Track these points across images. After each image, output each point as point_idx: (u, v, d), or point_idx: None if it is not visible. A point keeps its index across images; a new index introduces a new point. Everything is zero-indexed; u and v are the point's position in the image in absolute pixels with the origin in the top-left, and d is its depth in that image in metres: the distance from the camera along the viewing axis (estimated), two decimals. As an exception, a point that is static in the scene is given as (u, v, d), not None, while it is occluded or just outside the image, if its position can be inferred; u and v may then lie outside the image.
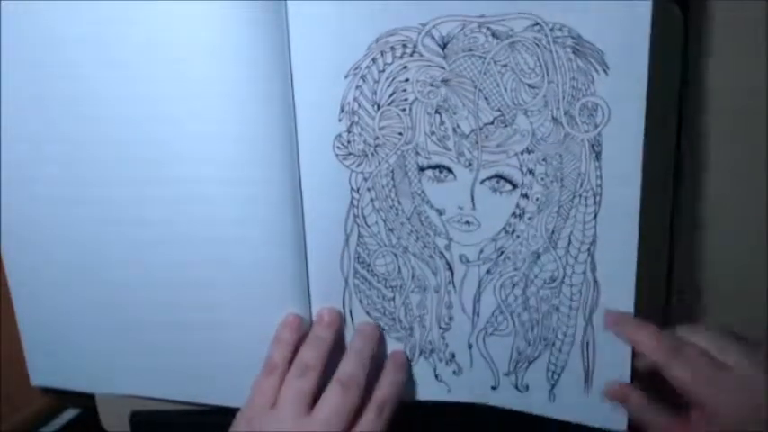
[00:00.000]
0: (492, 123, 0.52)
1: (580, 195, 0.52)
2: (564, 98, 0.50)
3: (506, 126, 0.52)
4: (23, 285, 0.61)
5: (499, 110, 0.52)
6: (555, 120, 0.51)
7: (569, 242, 0.54)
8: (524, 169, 0.53)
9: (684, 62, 0.52)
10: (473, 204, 0.54)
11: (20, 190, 0.58)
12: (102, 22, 0.52)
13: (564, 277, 0.54)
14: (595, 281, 0.54)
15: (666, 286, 0.57)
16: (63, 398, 0.67)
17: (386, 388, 0.55)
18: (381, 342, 0.59)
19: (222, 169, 0.54)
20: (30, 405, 0.66)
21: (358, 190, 0.55)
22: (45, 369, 0.64)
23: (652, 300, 0.57)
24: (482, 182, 0.53)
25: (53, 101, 0.55)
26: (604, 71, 0.49)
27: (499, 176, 0.53)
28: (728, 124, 0.53)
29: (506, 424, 0.60)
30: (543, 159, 0.52)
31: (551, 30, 0.49)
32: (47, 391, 0.66)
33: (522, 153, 0.52)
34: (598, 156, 0.51)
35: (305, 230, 0.56)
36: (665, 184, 0.55)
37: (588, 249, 0.53)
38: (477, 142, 0.53)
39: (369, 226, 0.56)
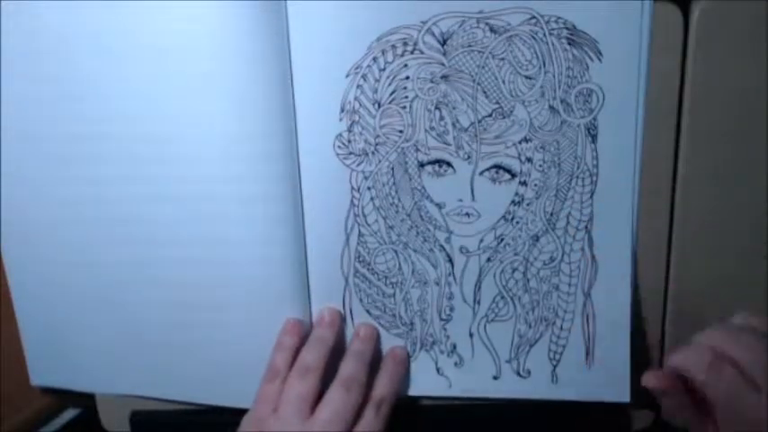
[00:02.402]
0: (490, 116, 0.53)
1: (577, 177, 0.54)
2: (560, 87, 0.52)
3: (504, 117, 0.53)
4: (23, 285, 0.61)
5: (497, 102, 0.52)
6: (552, 108, 0.52)
7: (567, 222, 0.55)
8: (523, 158, 0.54)
9: (684, 62, 0.52)
10: (473, 196, 0.55)
11: (20, 189, 0.58)
12: (102, 23, 0.52)
13: (563, 255, 0.56)
14: (593, 256, 0.55)
15: (665, 287, 0.57)
16: (63, 398, 0.67)
17: (383, 385, 0.56)
18: (380, 341, 0.59)
19: (222, 169, 0.54)
20: (30, 405, 0.66)
21: (358, 189, 0.55)
22: (45, 369, 0.64)
23: (651, 300, 0.57)
24: (481, 173, 0.54)
25: (53, 99, 0.55)
26: (598, 58, 0.51)
27: (498, 167, 0.54)
28: (729, 124, 0.53)
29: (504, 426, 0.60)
30: (541, 147, 0.53)
31: (547, 22, 0.51)
32: (47, 391, 0.66)
33: (520, 142, 0.53)
34: (594, 138, 0.53)
35: (305, 230, 0.56)
36: (664, 185, 0.55)
37: (585, 227, 0.55)
38: (475, 135, 0.53)
39: (369, 224, 0.56)
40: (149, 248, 0.57)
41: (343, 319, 0.58)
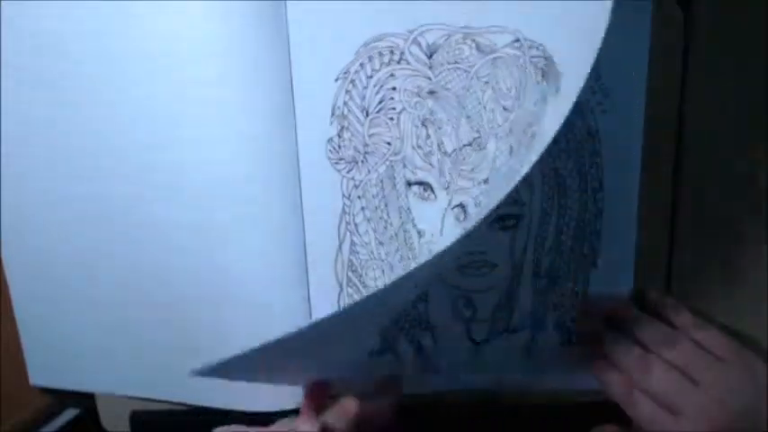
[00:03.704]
0: (470, 145, 0.52)
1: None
2: (521, 127, 0.51)
3: (480, 150, 0.52)
4: (22, 284, 0.61)
5: (478, 131, 0.52)
6: (511, 149, 0.52)
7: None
8: (477, 201, 0.53)
9: (684, 62, 0.51)
10: (441, 231, 0.54)
11: (19, 189, 0.58)
12: (102, 22, 0.52)
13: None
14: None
15: (665, 288, 0.57)
16: (63, 398, 0.68)
17: None
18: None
19: (221, 169, 0.54)
20: (30, 405, 0.67)
21: (349, 196, 0.55)
22: (44, 369, 0.64)
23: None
24: (452, 208, 0.54)
25: (54, 100, 0.55)
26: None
27: (461, 206, 0.53)
28: (729, 124, 0.53)
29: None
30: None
31: (529, 48, 0.50)
32: (47, 391, 0.66)
33: (481, 183, 0.53)
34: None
35: (305, 231, 0.56)
36: (665, 185, 0.54)
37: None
38: (456, 163, 0.52)
39: (360, 234, 0.56)
40: (148, 249, 0.57)
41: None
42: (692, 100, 0.52)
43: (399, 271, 0.56)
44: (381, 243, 0.56)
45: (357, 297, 0.57)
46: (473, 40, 0.50)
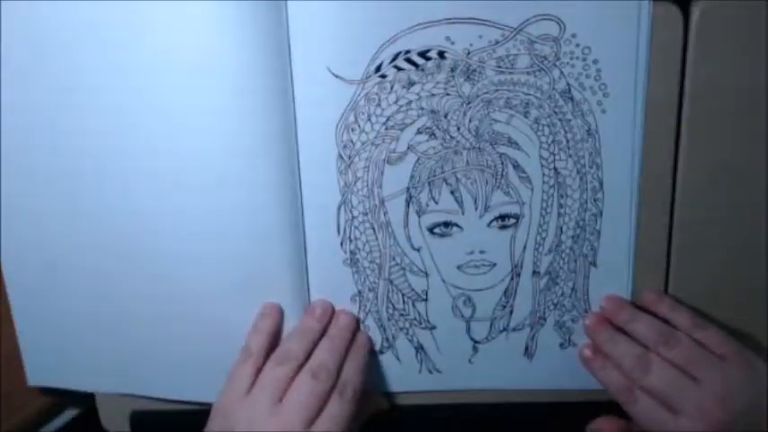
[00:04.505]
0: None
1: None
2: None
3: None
4: (20, 284, 0.61)
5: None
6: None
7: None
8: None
9: (684, 62, 0.51)
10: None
11: (16, 188, 0.58)
12: (101, 22, 0.52)
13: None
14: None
15: (665, 287, 0.57)
16: (63, 398, 0.67)
17: (346, 371, 0.55)
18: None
19: (219, 167, 0.54)
20: (30, 405, 0.66)
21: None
22: (43, 369, 0.64)
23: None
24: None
25: (49, 93, 0.54)
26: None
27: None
28: (729, 124, 0.53)
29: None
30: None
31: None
32: (46, 391, 0.66)
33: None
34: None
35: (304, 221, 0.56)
36: (664, 185, 0.54)
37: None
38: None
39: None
40: (148, 244, 0.57)
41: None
42: (691, 99, 0.52)
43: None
44: None
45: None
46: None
